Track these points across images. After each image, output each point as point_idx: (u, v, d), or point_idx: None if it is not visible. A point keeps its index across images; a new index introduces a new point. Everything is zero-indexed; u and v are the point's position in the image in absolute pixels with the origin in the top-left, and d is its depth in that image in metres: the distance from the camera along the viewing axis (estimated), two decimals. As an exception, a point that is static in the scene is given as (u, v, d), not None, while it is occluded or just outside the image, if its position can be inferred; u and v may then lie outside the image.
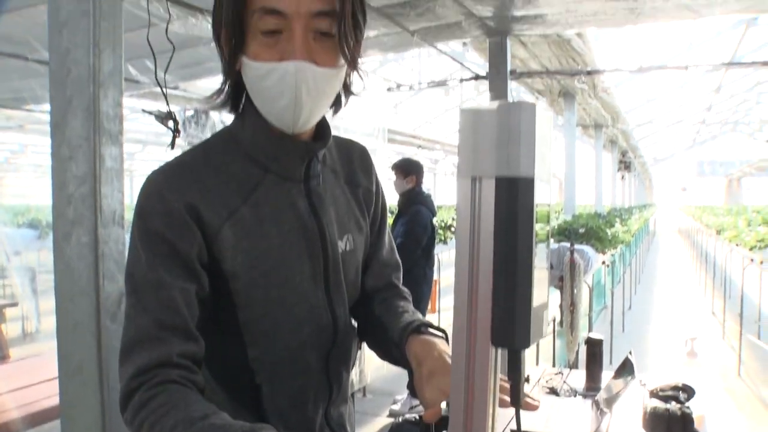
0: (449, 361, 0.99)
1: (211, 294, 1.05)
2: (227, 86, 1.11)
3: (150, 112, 1.60)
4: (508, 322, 0.60)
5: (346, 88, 1.15)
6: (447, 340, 1.11)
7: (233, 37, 1.03)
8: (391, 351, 1.19)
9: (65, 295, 1.72)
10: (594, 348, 2.54)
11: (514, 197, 0.58)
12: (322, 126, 1.16)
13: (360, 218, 1.25)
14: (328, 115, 1.17)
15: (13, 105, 6.62)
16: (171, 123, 1.60)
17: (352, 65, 1.07)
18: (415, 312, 1.24)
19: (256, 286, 1.07)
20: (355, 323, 1.29)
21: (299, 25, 1.00)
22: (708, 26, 10.55)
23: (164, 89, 1.65)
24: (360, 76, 1.12)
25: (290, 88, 1.00)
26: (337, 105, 1.16)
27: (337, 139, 1.25)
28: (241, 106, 1.13)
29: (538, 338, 0.64)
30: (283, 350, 1.12)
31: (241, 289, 1.07)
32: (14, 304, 7.10)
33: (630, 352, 2.60)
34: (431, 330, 1.13)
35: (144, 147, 16.52)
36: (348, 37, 1.03)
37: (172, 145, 1.60)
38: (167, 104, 1.65)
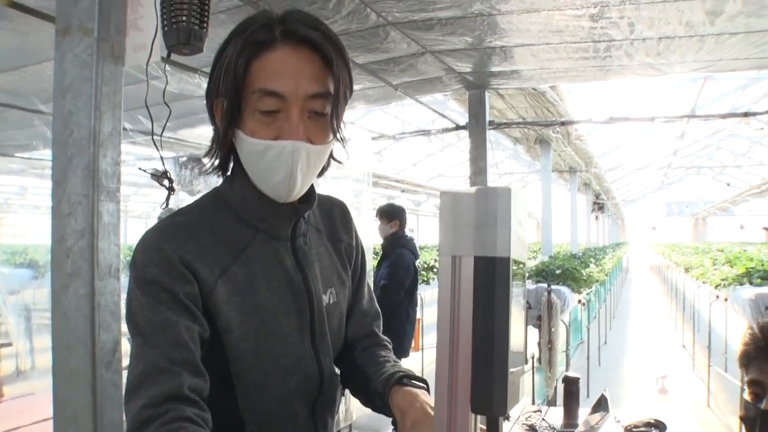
0: (431, 412, 0.99)
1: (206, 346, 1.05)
2: (218, 152, 1.13)
3: (145, 171, 1.61)
4: (487, 392, 0.61)
5: (331, 156, 1.18)
6: (428, 390, 1.12)
7: (230, 112, 1.05)
8: (375, 401, 1.19)
9: (62, 343, 1.70)
10: (571, 386, 2.55)
11: (491, 275, 0.60)
12: (309, 189, 1.19)
13: (342, 272, 1.27)
14: None
15: (14, 151, 6.67)
16: (166, 182, 1.61)
17: (341, 139, 1.11)
18: (397, 362, 1.26)
19: (248, 339, 1.08)
20: (338, 371, 1.30)
21: (296, 107, 1.03)
22: (670, 79, 10.87)
23: (160, 151, 1.67)
24: (344, 146, 1.15)
25: (287, 165, 1.03)
26: (322, 172, 1.19)
27: (319, 197, 1.27)
28: (230, 169, 1.16)
29: (514, 404, 0.65)
30: (272, 399, 1.12)
31: (234, 342, 1.07)
32: (8, 344, 6.95)
33: (605, 390, 2.61)
34: (413, 381, 1.14)
35: (138, 189, 16.48)
36: (339, 116, 1.07)
37: (167, 203, 1.61)
38: (163, 164, 1.67)
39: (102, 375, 1.66)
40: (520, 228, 0.63)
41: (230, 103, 1.04)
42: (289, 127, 1.02)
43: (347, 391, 1.34)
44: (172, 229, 1.08)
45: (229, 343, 1.07)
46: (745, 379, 1.52)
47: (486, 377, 0.62)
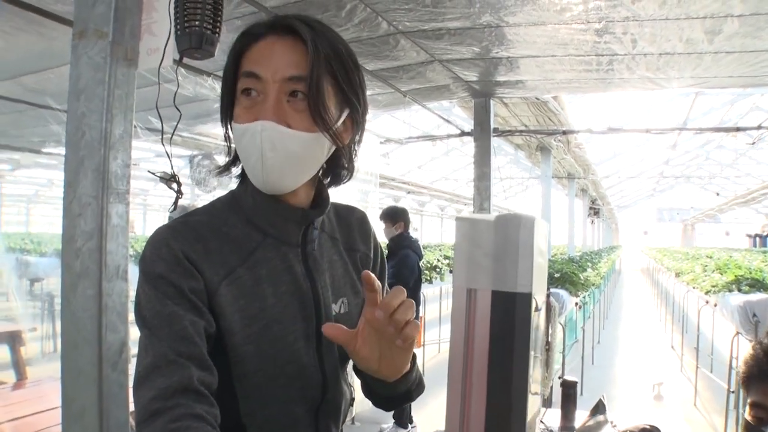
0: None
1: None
2: (231, 150, 1.08)
3: (154, 173, 1.53)
4: (502, 439, 0.52)
5: (343, 166, 1.12)
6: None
7: (223, 103, 1.03)
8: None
9: (70, 342, 1.63)
10: (569, 389, 2.48)
11: (511, 312, 0.51)
12: (321, 195, 1.13)
13: (357, 282, 1.18)
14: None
15: (42, 147, 6.75)
16: (174, 185, 1.53)
17: (326, 129, 1.00)
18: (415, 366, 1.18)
19: (250, 342, 1.01)
20: (348, 382, 1.22)
21: (273, 89, 0.97)
22: (665, 93, 10.84)
23: (170, 155, 1.59)
24: (338, 144, 1.05)
25: (256, 147, 0.97)
26: (335, 180, 1.14)
27: (338, 206, 1.21)
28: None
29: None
30: (274, 405, 1.05)
31: (237, 344, 1.00)
32: (33, 329, 6.93)
33: (603, 395, 2.53)
34: None
35: (157, 183, 16.50)
36: (318, 102, 0.98)
37: (175, 206, 1.53)
38: (171, 167, 1.59)
39: (108, 375, 1.59)
40: (542, 259, 0.53)
41: (223, 94, 1.03)
42: (264, 109, 0.97)
43: (352, 382, 1.27)
44: (181, 227, 1.03)
45: (232, 345, 1.01)
46: (747, 400, 1.44)
47: (502, 424, 0.52)
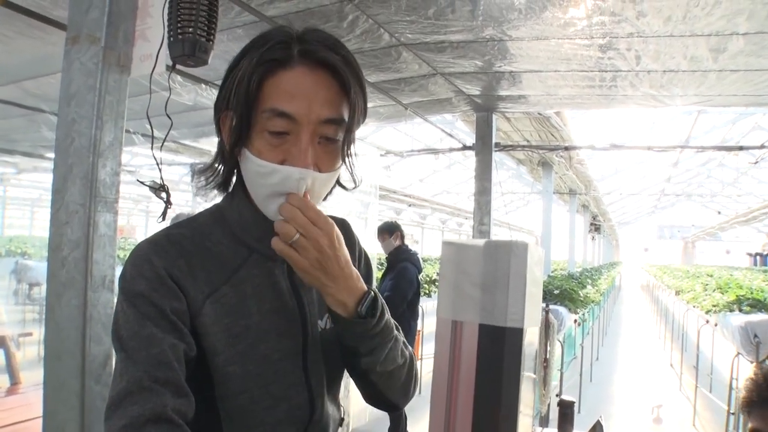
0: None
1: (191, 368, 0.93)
2: (220, 167, 1.01)
3: (144, 183, 1.49)
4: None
5: (337, 182, 1.06)
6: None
7: (239, 129, 0.93)
8: None
9: (53, 353, 1.58)
10: (566, 409, 2.43)
11: (500, 347, 0.46)
12: None
13: None
14: None
15: (46, 152, 6.75)
16: (164, 195, 1.48)
17: (349, 165, 1.00)
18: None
19: (235, 362, 0.96)
20: (338, 401, 1.17)
21: (307, 131, 0.91)
22: (667, 110, 10.82)
23: (159, 164, 1.54)
24: (352, 173, 1.03)
25: (286, 190, 0.92)
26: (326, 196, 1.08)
27: None
28: (232, 186, 1.04)
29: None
30: (259, 426, 0.99)
31: (220, 365, 0.95)
32: (29, 334, 6.87)
33: (600, 416, 2.47)
34: None
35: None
36: (350, 144, 0.96)
37: (164, 216, 1.48)
38: (161, 177, 1.54)
39: (91, 388, 1.53)
40: (535, 289, 0.48)
41: (239, 119, 0.93)
42: (297, 152, 0.91)
43: (348, 394, 1.21)
44: (164, 242, 0.97)
45: (215, 365, 0.95)
46: (748, 426, 1.40)
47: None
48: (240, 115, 0.92)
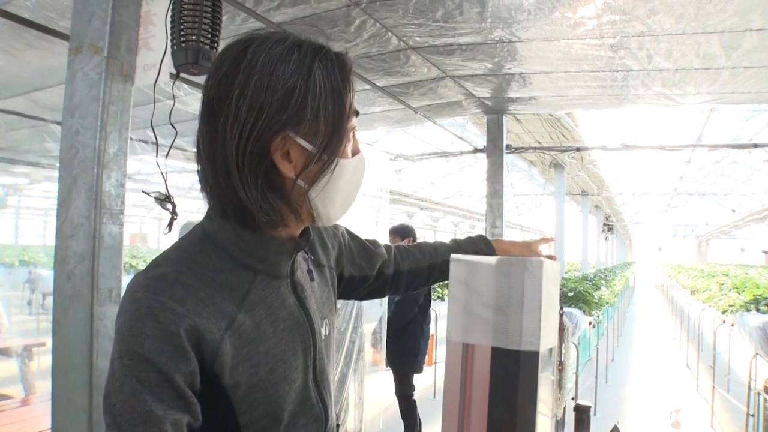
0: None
1: (209, 410, 0.87)
2: (265, 202, 0.89)
3: (149, 194, 1.46)
4: None
5: None
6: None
7: (334, 141, 0.91)
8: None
9: (60, 368, 1.55)
10: (582, 414, 2.40)
11: (514, 372, 0.43)
12: None
13: (332, 295, 1.15)
14: None
15: (54, 162, 6.79)
16: (169, 206, 1.46)
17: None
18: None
19: (258, 390, 0.92)
20: (336, 403, 1.16)
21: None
22: (679, 108, 10.70)
23: (164, 175, 1.52)
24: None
25: (361, 178, 1.00)
26: None
27: None
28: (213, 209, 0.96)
29: None
30: None
31: (242, 396, 0.90)
32: (42, 344, 6.87)
33: (618, 421, 2.43)
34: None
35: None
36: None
37: (170, 227, 1.45)
38: (166, 188, 1.51)
39: (99, 404, 1.50)
40: (551, 307, 0.45)
41: (333, 131, 0.91)
42: (356, 143, 0.99)
43: (361, 404, 1.21)
44: (163, 285, 0.85)
45: (237, 398, 0.90)
46: None
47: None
48: (336, 127, 0.90)
